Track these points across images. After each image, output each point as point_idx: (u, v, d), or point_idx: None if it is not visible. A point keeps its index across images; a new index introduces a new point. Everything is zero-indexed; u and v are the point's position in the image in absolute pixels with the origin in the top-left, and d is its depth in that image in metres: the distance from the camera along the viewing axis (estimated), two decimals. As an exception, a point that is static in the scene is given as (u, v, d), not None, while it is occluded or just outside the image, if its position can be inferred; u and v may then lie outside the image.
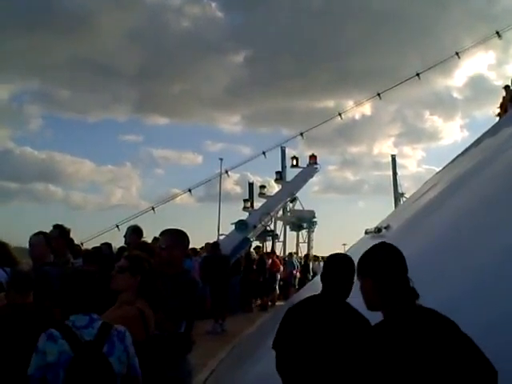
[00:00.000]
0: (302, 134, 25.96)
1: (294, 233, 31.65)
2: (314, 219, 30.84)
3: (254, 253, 20.03)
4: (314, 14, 48.82)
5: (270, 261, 19.16)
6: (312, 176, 26.81)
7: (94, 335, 2.92)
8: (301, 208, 29.60)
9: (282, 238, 30.38)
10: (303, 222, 30.64)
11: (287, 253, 26.62)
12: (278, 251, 27.51)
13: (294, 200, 27.67)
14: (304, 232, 31.70)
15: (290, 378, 3.34)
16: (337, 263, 3.53)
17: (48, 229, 5.65)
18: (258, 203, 26.71)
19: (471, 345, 2.31)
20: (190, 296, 4.12)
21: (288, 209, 29.15)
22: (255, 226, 22.14)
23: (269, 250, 24.87)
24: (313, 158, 26.24)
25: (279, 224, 29.82)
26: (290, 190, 25.75)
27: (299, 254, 27.63)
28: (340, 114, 26.31)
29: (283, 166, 28.03)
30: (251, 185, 29.38)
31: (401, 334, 2.30)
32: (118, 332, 3.02)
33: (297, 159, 27.10)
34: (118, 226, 20.69)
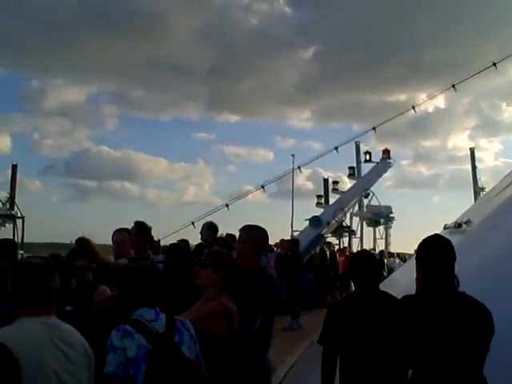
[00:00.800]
0: (374, 129, 25.51)
1: (371, 229, 31.14)
2: (392, 215, 30.12)
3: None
4: (385, 5, 47.72)
5: (343, 257, 18.95)
6: (386, 171, 26.22)
7: (163, 327, 3.01)
8: (377, 203, 29.06)
9: (358, 234, 29.96)
10: (380, 217, 30.00)
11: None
12: (355, 247, 27.18)
13: (367, 195, 27.13)
14: (381, 228, 31.14)
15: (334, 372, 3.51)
16: (361, 259, 3.75)
17: (125, 226, 5.81)
18: (332, 199, 26.44)
19: (487, 331, 2.79)
20: (266, 292, 4.13)
21: (364, 204, 28.69)
22: (329, 222, 21.96)
23: (346, 246, 24.59)
24: (386, 152, 25.65)
25: (356, 220, 29.45)
26: (363, 186, 25.32)
27: (376, 251, 27.13)
28: (414, 107, 25.66)
29: (358, 161, 27.58)
30: (326, 180, 28.98)
31: (423, 309, 2.84)
32: (181, 322, 3.13)
33: (370, 154, 26.56)
34: (193, 223, 21.09)
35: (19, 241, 27.14)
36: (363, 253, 4.22)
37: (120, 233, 5.55)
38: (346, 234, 27.80)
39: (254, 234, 4.37)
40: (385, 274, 21.10)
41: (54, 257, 4.57)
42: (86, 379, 2.62)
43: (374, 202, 28.96)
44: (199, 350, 3.17)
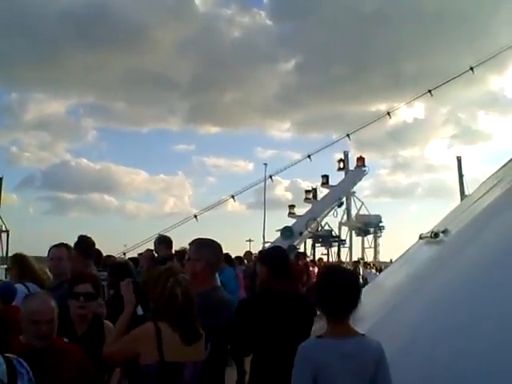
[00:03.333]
0: (348, 136, 25.27)
1: (360, 238, 30.94)
2: (381, 224, 30.01)
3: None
4: (364, 17, 47.94)
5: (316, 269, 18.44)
6: (360, 179, 25.99)
7: (5, 374, 2.55)
8: (367, 213, 28.82)
9: (348, 244, 29.69)
10: (370, 226, 29.90)
11: (354, 259, 25.85)
12: (344, 257, 26.85)
13: (341, 204, 26.81)
14: (369, 237, 30.95)
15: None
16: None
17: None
18: (305, 208, 26.04)
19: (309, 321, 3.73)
20: (217, 316, 3.56)
21: (353, 214, 28.44)
22: (301, 233, 21.50)
23: (335, 255, 24.21)
24: (360, 160, 25.45)
25: (345, 229, 29.16)
26: (337, 194, 24.98)
27: (365, 260, 26.74)
28: (389, 113, 25.59)
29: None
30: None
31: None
32: (19, 363, 2.69)
33: (343, 161, 26.31)
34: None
35: (4, 254, 26.31)
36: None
37: (57, 249, 4.90)
38: (336, 243, 27.42)
39: (206, 250, 3.75)
40: (360, 283, 20.84)
41: None
42: None
43: (364, 211, 28.76)
44: None
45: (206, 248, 3.77)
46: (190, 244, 3.87)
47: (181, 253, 5.81)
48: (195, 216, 22.95)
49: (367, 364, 2.72)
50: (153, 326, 3.07)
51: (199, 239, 3.92)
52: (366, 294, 6.58)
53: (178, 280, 3.19)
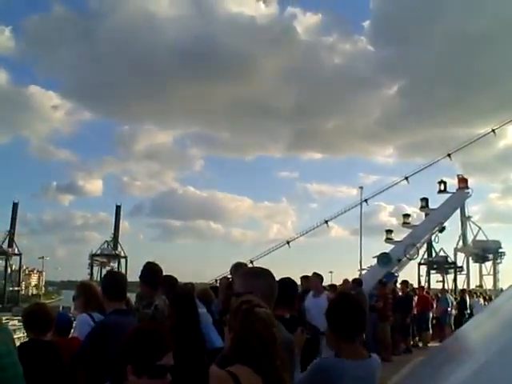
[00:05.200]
0: (449, 156, 23.85)
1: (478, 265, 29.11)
2: (501, 250, 28.04)
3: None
4: (469, 39, 46.07)
5: (417, 298, 17.20)
6: (463, 202, 24.29)
7: None
8: (484, 238, 27.07)
9: (465, 271, 27.98)
10: (488, 252, 28.01)
11: (472, 286, 24.18)
12: (460, 284, 25.23)
13: (443, 229, 25.15)
14: (488, 264, 29.02)
15: None
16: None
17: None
18: (403, 234, 24.71)
19: None
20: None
21: (470, 239, 26.79)
22: (400, 260, 20.29)
23: (450, 283, 22.77)
24: (463, 181, 23.79)
25: (460, 256, 27.51)
26: (437, 218, 23.46)
27: (484, 287, 24.91)
28: (493, 130, 23.95)
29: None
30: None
31: None
32: None
33: (445, 184, 24.77)
34: (252, 262, 20.11)
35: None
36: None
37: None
38: (452, 270, 25.89)
39: (260, 280, 3.10)
40: (466, 314, 19.35)
41: None
42: None
43: (481, 237, 27.04)
44: None
45: (260, 278, 3.13)
46: (236, 275, 3.26)
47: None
48: (287, 242, 22.36)
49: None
50: (226, 374, 2.43)
51: (249, 268, 3.36)
52: (478, 324, 5.69)
53: (260, 315, 2.55)
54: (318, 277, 9.53)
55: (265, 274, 3.09)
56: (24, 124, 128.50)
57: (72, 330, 4.36)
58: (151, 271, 4.88)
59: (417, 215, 25.51)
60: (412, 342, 16.49)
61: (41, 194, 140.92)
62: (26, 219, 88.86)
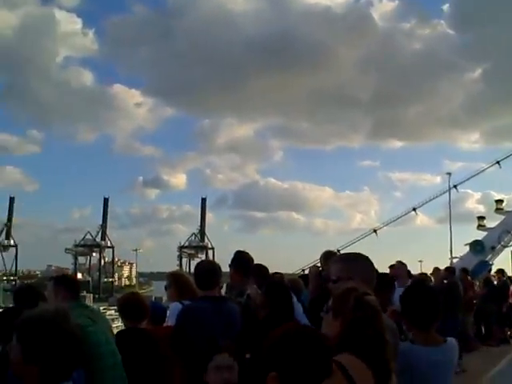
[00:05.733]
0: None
1: None
2: None
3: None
4: None
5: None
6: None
7: None
8: None
9: None
10: None
11: None
12: None
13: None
14: None
15: None
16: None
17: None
18: (496, 221, 23.50)
19: None
20: None
21: None
22: (494, 247, 19.35)
23: None
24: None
25: None
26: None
27: None
28: None
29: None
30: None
31: None
32: None
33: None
34: (338, 251, 19.82)
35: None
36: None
37: None
38: None
39: (359, 265, 2.93)
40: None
41: None
42: None
43: None
44: None
45: (359, 262, 2.96)
46: (334, 261, 3.11)
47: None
48: (374, 231, 21.91)
49: (451, 368, 3.23)
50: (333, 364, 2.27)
51: (345, 254, 3.44)
52: None
53: (372, 303, 2.41)
54: (402, 265, 9.26)
55: (363, 258, 2.94)
56: (109, 122, 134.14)
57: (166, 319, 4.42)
58: (243, 259, 4.91)
59: (506, 201, 24.20)
60: (509, 332, 15.71)
61: (128, 189, 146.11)
62: (115, 214, 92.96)
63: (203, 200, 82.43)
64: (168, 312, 4.42)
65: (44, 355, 1.98)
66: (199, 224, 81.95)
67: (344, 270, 2.84)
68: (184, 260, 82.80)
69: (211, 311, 3.96)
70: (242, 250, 5.07)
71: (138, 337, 3.88)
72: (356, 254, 3.06)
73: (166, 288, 4.70)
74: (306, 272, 10.18)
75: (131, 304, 4.07)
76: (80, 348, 2.12)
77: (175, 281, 4.72)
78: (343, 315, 2.34)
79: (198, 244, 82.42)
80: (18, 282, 78.00)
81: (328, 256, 5.30)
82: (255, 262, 5.04)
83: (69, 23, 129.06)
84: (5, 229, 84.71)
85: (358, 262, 2.89)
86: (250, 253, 5.04)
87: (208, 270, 4.27)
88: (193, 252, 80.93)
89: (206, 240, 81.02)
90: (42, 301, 3.46)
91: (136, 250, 70.95)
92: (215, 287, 4.20)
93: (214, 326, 3.89)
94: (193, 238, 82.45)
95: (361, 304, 2.33)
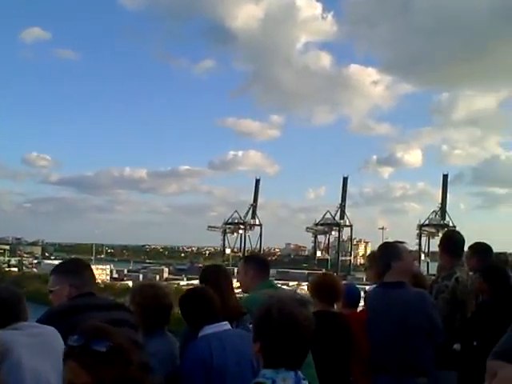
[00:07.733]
0: None
1: None
2: None
3: None
4: None
5: None
6: None
7: None
8: None
9: None
10: None
11: None
12: None
13: None
14: None
15: None
16: None
17: None
18: None
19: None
20: None
21: None
22: None
23: None
24: None
25: None
26: None
27: None
28: None
29: None
30: None
31: None
32: None
33: None
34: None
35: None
36: None
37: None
38: None
39: None
40: None
41: None
42: None
43: None
44: None
45: None
46: None
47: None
48: None
49: None
50: None
51: None
52: None
53: None
54: None
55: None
56: (345, 102, 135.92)
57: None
58: (452, 239, 4.50)
59: None
60: None
61: (362, 168, 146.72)
62: (348, 193, 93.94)
63: (445, 177, 79.12)
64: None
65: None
66: (439, 202, 78.98)
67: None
68: (423, 239, 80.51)
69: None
70: (452, 229, 4.61)
71: (330, 319, 3.67)
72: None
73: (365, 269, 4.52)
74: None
75: (324, 285, 3.89)
76: None
77: (375, 260, 4.43)
78: None
79: (438, 222, 79.27)
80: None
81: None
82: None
83: (309, 8, 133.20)
84: (251, 209, 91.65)
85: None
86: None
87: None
88: (433, 230, 77.83)
89: (447, 218, 77.59)
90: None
91: (383, 228, 71.60)
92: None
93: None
94: (433, 216, 79.49)
95: None
